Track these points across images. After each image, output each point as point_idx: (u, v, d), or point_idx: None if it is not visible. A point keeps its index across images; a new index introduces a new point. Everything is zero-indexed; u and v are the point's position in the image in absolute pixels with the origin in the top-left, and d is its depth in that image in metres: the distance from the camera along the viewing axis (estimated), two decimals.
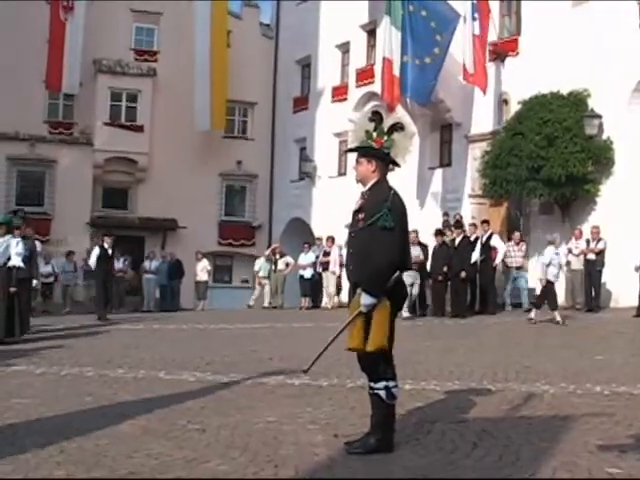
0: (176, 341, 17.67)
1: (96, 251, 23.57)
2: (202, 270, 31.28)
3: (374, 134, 6.78)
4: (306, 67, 38.77)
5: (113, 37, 36.81)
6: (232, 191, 40.37)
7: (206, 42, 37.07)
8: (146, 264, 31.43)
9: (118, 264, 27.41)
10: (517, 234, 23.66)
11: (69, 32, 35.58)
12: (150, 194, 37.06)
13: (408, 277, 20.28)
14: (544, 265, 19.47)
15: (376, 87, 31.37)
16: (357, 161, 6.86)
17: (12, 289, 16.22)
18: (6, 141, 35.52)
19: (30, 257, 17.73)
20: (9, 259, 16.14)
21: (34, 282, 19.36)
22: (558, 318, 18.72)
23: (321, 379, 10.17)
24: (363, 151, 6.84)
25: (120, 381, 10.95)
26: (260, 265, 30.39)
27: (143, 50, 38.75)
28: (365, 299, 6.45)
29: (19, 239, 16.70)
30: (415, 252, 21.68)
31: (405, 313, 19.81)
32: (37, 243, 20.95)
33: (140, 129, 37.57)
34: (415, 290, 22.19)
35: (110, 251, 23.50)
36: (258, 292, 30.21)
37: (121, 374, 11.57)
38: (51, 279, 29.06)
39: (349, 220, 6.93)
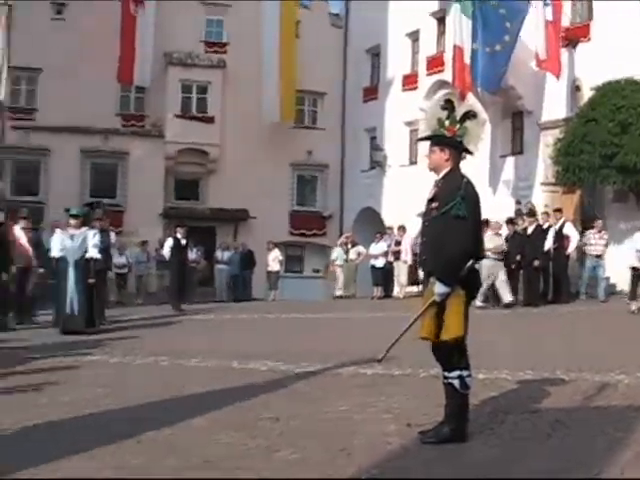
0: (248, 331, 17.79)
1: (169, 242, 23.70)
2: (274, 260, 31.39)
3: (447, 122, 6.75)
4: (376, 56, 38.67)
5: (183, 29, 37.03)
6: (303, 181, 40.50)
7: (275, 33, 37.19)
8: (218, 254, 31.66)
9: (192, 254, 27.56)
10: (599, 222, 23.02)
11: (140, 26, 36.02)
12: (221, 185, 37.31)
13: (487, 267, 20.25)
14: (637, 252, 19.13)
15: (446, 75, 31.22)
16: (430, 150, 6.83)
17: (91, 280, 16.43)
18: (80, 134, 35.99)
19: (105, 249, 17.96)
20: (86, 251, 16.34)
21: (109, 273, 19.64)
22: (633, 307, 18.48)
23: (394, 368, 10.14)
24: (436, 139, 6.82)
25: (193, 371, 11.06)
26: (337, 254, 30.30)
27: (213, 42, 38.97)
28: (439, 288, 6.43)
29: (96, 231, 16.92)
30: (499, 241, 21.59)
31: (478, 302, 19.63)
32: (112, 235, 21.23)
33: (211, 120, 37.85)
34: (502, 276, 21.85)
35: (183, 242, 23.60)
36: (341, 281, 29.96)
37: (194, 364, 11.67)
38: (125, 270, 29.36)
39: (420, 209, 6.92)
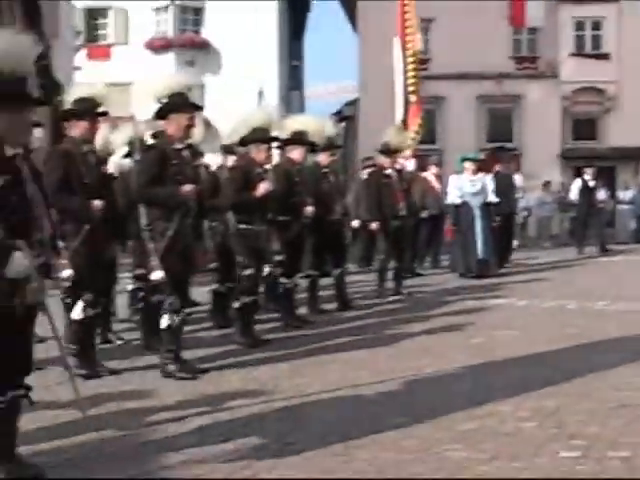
0: None
1: (577, 183, 23.48)
2: None
3: None
4: None
5: None
6: None
7: None
8: (620, 194, 30.91)
9: (601, 195, 26.88)
10: None
11: None
12: (621, 122, 36.13)
13: None
14: None
15: None
16: None
17: (495, 224, 16.68)
18: (474, 80, 36.40)
19: (508, 192, 18.08)
20: (487, 196, 16.63)
21: (515, 217, 19.91)
22: None
23: None
24: None
25: (602, 314, 11.03)
26: None
27: None
28: None
29: (491, 175, 17.22)
30: None
31: None
32: (517, 177, 21.44)
33: (606, 57, 36.90)
34: None
35: (592, 183, 23.18)
36: None
37: (602, 306, 11.64)
38: (525, 213, 29.37)
39: None
